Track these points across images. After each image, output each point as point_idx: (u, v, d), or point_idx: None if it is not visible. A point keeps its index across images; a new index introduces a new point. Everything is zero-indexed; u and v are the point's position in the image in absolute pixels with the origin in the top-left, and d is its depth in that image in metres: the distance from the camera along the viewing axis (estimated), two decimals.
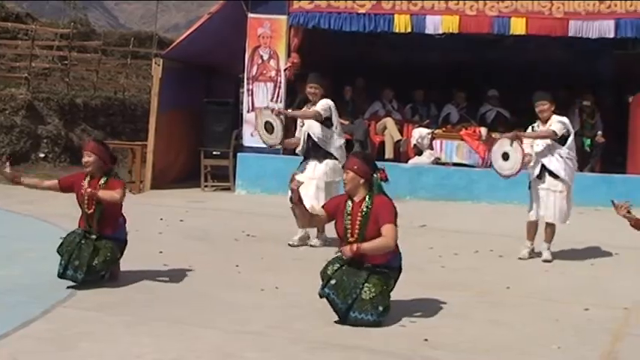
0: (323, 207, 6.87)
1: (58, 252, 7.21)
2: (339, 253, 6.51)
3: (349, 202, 6.51)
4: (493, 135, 14.80)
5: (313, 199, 9.13)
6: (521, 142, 9.18)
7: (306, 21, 14.54)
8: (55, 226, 9.86)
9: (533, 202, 9.25)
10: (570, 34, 14.02)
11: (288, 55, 14.61)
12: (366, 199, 6.45)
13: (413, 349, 5.74)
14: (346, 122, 15.35)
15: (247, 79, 14.81)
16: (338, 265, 6.42)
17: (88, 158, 7.32)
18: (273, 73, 14.70)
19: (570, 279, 8.40)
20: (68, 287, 7.07)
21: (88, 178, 7.34)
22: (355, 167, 6.52)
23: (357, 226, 6.40)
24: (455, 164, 14.48)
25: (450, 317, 6.64)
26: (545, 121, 9.25)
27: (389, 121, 14.89)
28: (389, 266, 6.49)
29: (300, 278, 7.84)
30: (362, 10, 14.40)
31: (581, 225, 10.42)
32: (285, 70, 14.60)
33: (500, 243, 9.86)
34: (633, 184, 13.36)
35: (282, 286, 7.46)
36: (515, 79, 15.77)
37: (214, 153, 14.99)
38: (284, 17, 14.60)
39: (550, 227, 9.20)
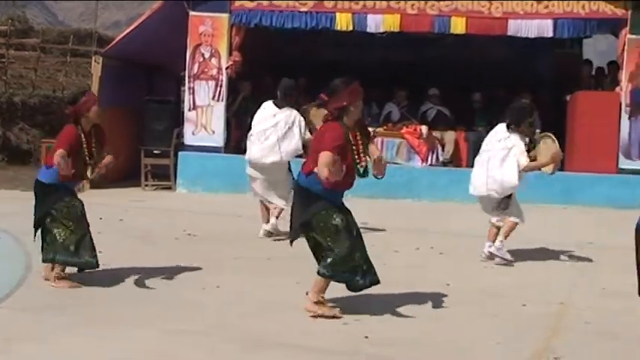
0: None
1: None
2: None
3: (348, 133, 6.50)
4: (434, 133, 14.94)
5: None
6: None
7: (248, 19, 14.50)
8: None
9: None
10: (509, 34, 14.22)
11: (230, 54, 14.55)
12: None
13: (354, 346, 5.76)
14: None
15: (189, 77, 14.72)
16: None
17: None
18: (214, 72, 14.63)
19: (508, 275, 8.50)
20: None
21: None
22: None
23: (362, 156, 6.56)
24: (395, 162, 14.57)
25: (391, 314, 6.67)
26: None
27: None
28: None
29: (241, 277, 7.83)
30: (304, 9, 14.41)
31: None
32: (226, 68, 14.55)
33: (440, 240, 9.94)
34: (571, 182, 13.58)
35: (223, 285, 7.43)
36: (455, 77, 15.91)
37: (155, 152, 14.86)
38: (226, 15, 14.54)
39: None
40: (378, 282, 6.67)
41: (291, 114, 9.86)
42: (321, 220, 6.48)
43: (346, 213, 6.62)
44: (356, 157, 6.49)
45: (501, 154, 8.97)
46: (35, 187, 7.36)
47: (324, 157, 6.26)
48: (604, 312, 6.84)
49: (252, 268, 8.27)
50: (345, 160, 6.41)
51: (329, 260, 6.43)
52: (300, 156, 9.65)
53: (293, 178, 8.92)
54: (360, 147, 6.53)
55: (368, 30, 14.38)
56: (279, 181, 9.79)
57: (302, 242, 8.07)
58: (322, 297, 6.54)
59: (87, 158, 7.26)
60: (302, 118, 9.93)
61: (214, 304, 6.79)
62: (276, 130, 9.76)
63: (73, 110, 7.23)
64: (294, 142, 9.74)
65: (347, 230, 6.48)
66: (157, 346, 5.58)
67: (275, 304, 6.86)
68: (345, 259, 6.44)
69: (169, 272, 7.93)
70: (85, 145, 7.21)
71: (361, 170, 6.57)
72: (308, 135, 9.77)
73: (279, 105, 9.95)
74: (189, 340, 5.78)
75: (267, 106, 10.07)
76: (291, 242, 6.94)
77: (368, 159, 6.66)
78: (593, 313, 6.87)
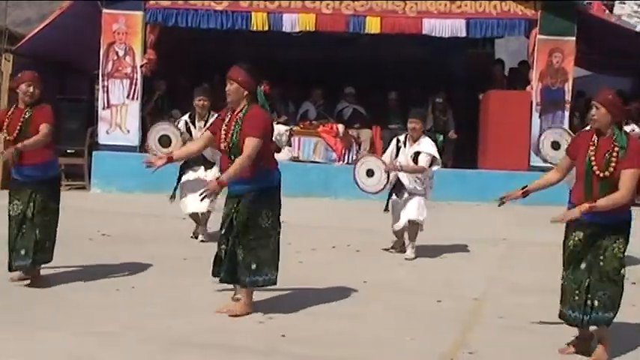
0: (208, 129, 6.83)
1: None
2: None
3: (229, 114, 6.49)
4: (350, 132, 15.04)
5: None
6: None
7: (163, 18, 14.37)
8: None
9: (396, 216, 9.35)
10: (424, 33, 14.39)
11: (144, 52, 14.40)
12: (243, 109, 6.42)
13: (270, 344, 5.76)
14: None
15: (102, 75, 14.51)
16: None
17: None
18: (129, 70, 14.45)
19: (424, 272, 8.61)
20: None
21: None
22: (240, 79, 6.49)
23: (229, 134, 6.35)
24: (312, 161, 14.63)
25: (308, 312, 6.70)
26: (414, 140, 9.26)
27: None
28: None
29: (156, 277, 7.76)
30: (219, 8, 14.35)
31: (434, 219, 10.67)
32: (141, 66, 14.38)
33: (357, 238, 10.00)
34: (484, 179, 13.81)
35: (138, 286, 7.35)
36: (371, 76, 16.03)
37: (68, 151, 14.60)
38: (140, 13, 14.37)
39: (414, 226, 9.32)
40: (241, 284, 6.61)
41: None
42: None
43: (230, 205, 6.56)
44: (222, 137, 6.43)
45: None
46: None
47: None
48: (517, 307, 6.97)
49: (168, 269, 8.19)
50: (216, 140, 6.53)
51: None
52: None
53: None
54: (231, 131, 6.38)
55: (284, 29, 14.39)
56: None
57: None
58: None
59: (6, 135, 7.20)
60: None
61: (129, 305, 6.70)
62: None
63: (11, 86, 7.40)
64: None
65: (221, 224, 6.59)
66: (68, 348, 5.48)
67: (191, 304, 6.82)
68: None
69: (83, 273, 7.81)
70: (8, 121, 7.19)
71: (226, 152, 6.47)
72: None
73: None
74: (103, 341, 5.70)
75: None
76: None
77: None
78: (507, 308, 7.00)
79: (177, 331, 6.02)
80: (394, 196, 9.31)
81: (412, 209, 9.17)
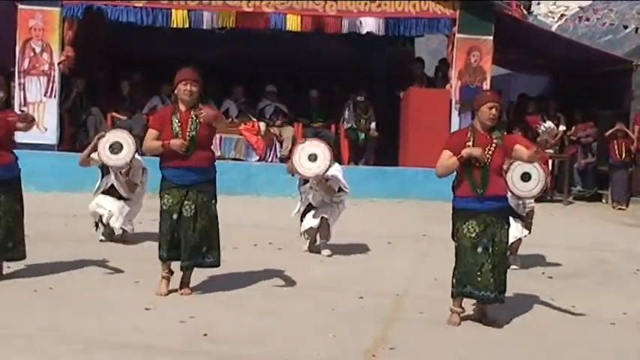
0: (151, 127, 7.24)
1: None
2: None
3: (176, 112, 7.03)
4: (272, 129, 15.03)
5: None
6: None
7: (81, 13, 14.16)
8: None
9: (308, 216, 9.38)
10: (344, 31, 14.48)
11: (62, 49, 14.17)
12: (193, 109, 7.01)
13: (191, 343, 5.72)
14: (124, 117, 15.10)
15: (19, 72, 14.25)
16: None
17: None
18: (46, 67, 14.22)
19: (346, 268, 8.65)
20: None
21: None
22: (200, 81, 7.09)
23: (187, 130, 6.96)
24: (233, 159, 14.60)
25: (230, 310, 6.68)
26: None
27: None
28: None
29: (75, 277, 7.64)
30: (139, 4, 14.20)
31: (356, 216, 10.76)
32: (59, 63, 14.16)
33: (278, 236, 10.00)
34: (405, 176, 13.98)
35: (56, 286, 7.22)
36: (293, 74, 16.05)
37: None
38: (57, 9, 14.14)
39: (326, 225, 9.35)
40: (205, 264, 7.23)
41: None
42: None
43: (176, 195, 7.05)
44: (179, 134, 6.98)
45: None
46: None
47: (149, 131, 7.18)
48: (437, 302, 7.05)
49: (87, 269, 8.08)
50: (165, 136, 7.02)
51: None
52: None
53: None
54: (188, 125, 6.99)
55: (204, 27, 14.34)
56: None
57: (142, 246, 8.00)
58: (163, 273, 7.18)
59: None
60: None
61: (46, 306, 6.59)
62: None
63: None
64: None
65: (168, 213, 7.05)
66: None
67: (110, 304, 6.74)
68: (163, 239, 7.12)
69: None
70: None
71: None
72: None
73: None
74: (21, 343, 5.59)
75: None
76: None
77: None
78: (427, 303, 7.09)
79: (93, 332, 5.93)
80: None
81: (327, 208, 9.22)
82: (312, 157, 9.06)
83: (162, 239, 7.13)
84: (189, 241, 7.03)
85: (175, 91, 7.13)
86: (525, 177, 8.70)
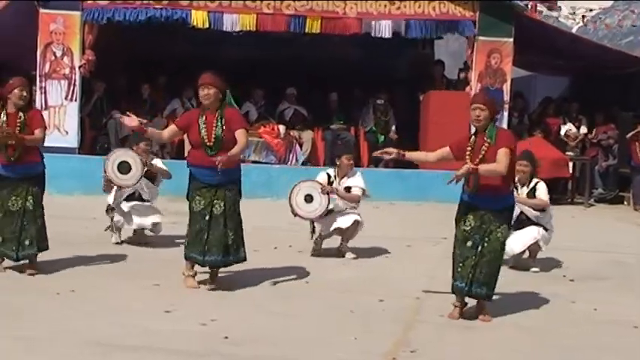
0: (175, 123, 7.65)
1: None
2: None
3: (202, 115, 7.28)
4: (291, 133, 15.04)
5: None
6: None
7: (101, 17, 14.22)
8: None
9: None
10: (364, 34, 14.45)
11: (83, 52, 14.23)
12: (219, 110, 7.28)
13: (213, 347, 5.73)
14: (144, 121, 15.12)
15: (40, 76, 14.31)
16: None
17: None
18: (67, 71, 14.28)
19: (365, 271, 8.65)
20: None
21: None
22: (217, 84, 7.35)
23: (212, 131, 7.21)
24: (254, 161, 14.60)
25: (250, 313, 6.69)
26: (344, 174, 9.27)
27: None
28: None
29: (94, 280, 7.67)
30: (158, 6, 14.24)
31: (376, 219, 10.73)
32: (79, 67, 14.22)
33: (298, 239, 9.98)
34: (424, 179, 13.92)
35: (78, 290, 7.24)
36: (312, 77, 16.03)
37: None
38: (77, 13, 14.20)
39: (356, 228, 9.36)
40: (237, 260, 7.51)
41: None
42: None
43: (207, 195, 7.29)
44: (205, 135, 7.24)
45: None
46: None
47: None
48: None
49: (107, 272, 8.11)
50: (192, 136, 7.31)
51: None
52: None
53: None
54: (213, 127, 7.24)
55: (224, 29, 14.35)
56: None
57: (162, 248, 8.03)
58: (187, 272, 7.45)
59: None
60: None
61: (67, 309, 6.62)
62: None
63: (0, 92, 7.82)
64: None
65: (201, 215, 7.28)
66: (10, 353, 5.40)
67: (130, 306, 6.76)
68: (192, 240, 7.34)
69: (20, 277, 7.70)
70: (5, 125, 7.62)
71: (209, 147, 7.26)
72: (158, 162, 9.67)
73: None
74: (41, 345, 5.61)
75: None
76: None
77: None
78: (447, 306, 7.04)
79: (114, 334, 5.95)
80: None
81: (350, 217, 9.22)
82: (308, 199, 9.13)
83: (192, 239, 7.33)
84: (222, 240, 7.26)
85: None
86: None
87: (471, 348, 6.03)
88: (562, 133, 16.22)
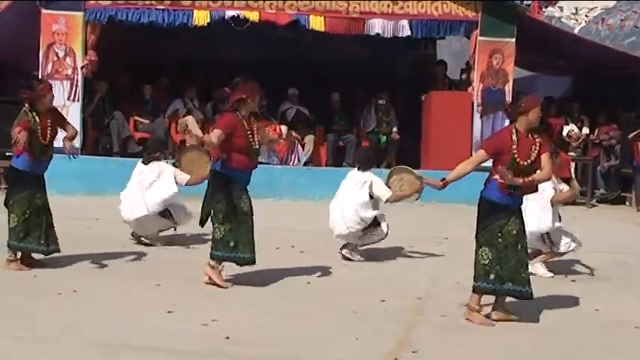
0: (221, 129, 7.55)
1: None
2: None
3: (243, 122, 7.56)
4: (293, 133, 15.03)
5: None
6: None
7: (103, 17, 14.23)
8: None
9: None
10: (366, 33, 14.45)
11: (85, 53, 14.24)
12: (251, 117, 7.69)
13: (214, 347, 5.73)
14: (146, 121, 15.17)
15: (42, 77, 14.29)
16: None
17: None
18: (69, 71, 14.29)
19: (367, 271, 8.64)
20: None
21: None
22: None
23: (256, 138, 7.60)
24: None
25: (251, 313, 6.68)
26: None
27: (190, 120, 14.72)
28: None
29: (96, 281, 7.67)
30: (161, 7, 14.25)
31: None
32: (82, 68, 14.22)
33: (300, 239, 10.00)
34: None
35: (80, 290, 7.24)
36: (314, 77, 16.03)
37: (7, 154, 14.34)
38: (80, 14, 14.21)
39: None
40: (248, 262, 7.64)
41: (158, 166, 9.68)
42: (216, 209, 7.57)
43: (238, 198, 7.54)
44: (251, 140, 7.52)
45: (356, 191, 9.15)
46: (8, 173, 8.44)
47: (214, 132, 7.41)
48: (460, 305, 7.02)
49: (110, 272, 8.11)
50: (237, 142, 7.47)
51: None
52: None
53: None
54: (255, 133, 7.58)
55: (227, 24, 14.34)
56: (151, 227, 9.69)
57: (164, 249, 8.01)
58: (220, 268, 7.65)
59: (41, 139, 7.93)
60: (171, 167, 9.72)
61: (70, 309, 6.62)
62: (141, 183, 9.58)
63: (29, 96, 7.97)
64: (163, 190, 9.53)
65: (245, 214, 7.61)
66: (5, 354, 5.39)
67: (132, 307, 6.76)
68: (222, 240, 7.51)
69: (23, 278, 7.70)
70: (39, 128, 7.89)
71: (255, 152, 7.66)
72: (183, 175, 9.65)
73: (145, 162, 9.77)
74: (45, 346, 5.61)
75: (136, 166, 9.83)
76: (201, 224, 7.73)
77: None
78: (450, 307, 7.06)
79: (116, 334, 5.95)
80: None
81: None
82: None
83: (244, 241, 7.61)
84: (250, 237, 7.64)
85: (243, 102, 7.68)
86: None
87: (473, 348, 6.03)
88: (564, 133, 16.19)
